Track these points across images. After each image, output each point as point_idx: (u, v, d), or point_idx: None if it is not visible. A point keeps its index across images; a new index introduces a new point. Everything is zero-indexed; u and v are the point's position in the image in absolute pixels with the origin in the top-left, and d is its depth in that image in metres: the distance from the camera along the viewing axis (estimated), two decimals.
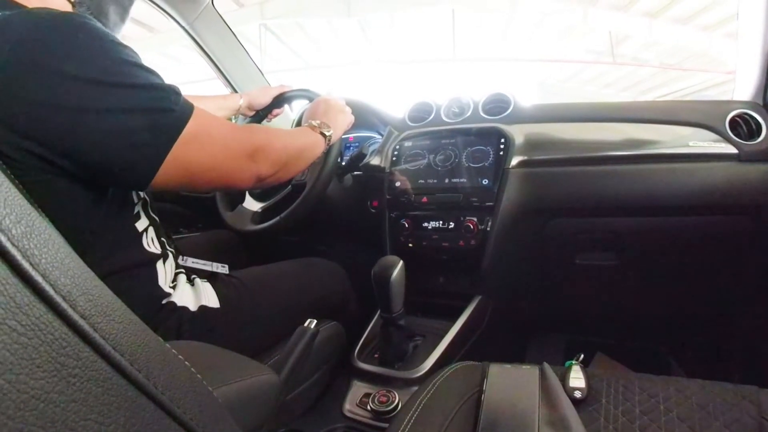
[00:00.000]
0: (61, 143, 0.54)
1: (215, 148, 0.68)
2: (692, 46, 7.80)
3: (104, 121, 0.56)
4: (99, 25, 0.59)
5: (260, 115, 1.25)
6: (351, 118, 1.10)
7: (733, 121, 0.99)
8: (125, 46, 0.61)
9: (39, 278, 0.21)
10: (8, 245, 0.20)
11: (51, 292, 0.22)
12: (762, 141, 0.96)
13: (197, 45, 1.46)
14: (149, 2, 1.29)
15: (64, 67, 0.53)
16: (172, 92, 0.63)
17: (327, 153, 1.04)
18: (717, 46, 7.62)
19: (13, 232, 0.21)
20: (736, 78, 1.07)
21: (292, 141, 0.86)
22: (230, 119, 1.54)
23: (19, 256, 0.21)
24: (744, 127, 0.99)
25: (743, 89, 1.04)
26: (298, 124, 1.51)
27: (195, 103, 1.21)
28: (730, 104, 1.01)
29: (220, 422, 0.36)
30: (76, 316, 0.23)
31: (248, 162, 0.73)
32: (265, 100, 1.23)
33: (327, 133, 0.97)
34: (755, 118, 0.98)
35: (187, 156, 0.63)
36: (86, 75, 0.54)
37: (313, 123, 0.97)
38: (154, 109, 0.60)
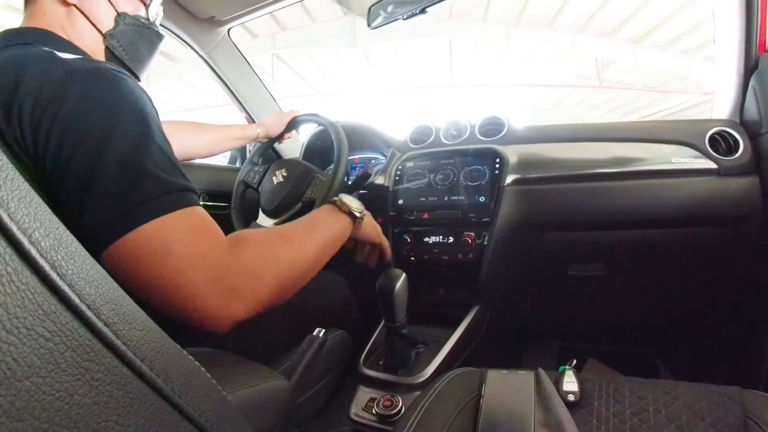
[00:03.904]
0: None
1: (166, 268, 0.47)
2: (673, 69, 7.83)
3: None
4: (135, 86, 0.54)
5: (274, 140, 1.27)
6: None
7: (712, 139, 0.99)
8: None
9: (66, 288, 0.22)
10: (37, 257, 0.20)
11: (77, 300, 0.22)
12: (739, 156, 0.96)
13: (215, 73, 1.47)
14: (171, 34, 1.31)
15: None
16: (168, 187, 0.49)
17: (335, 173, 1.04)
18: (696, 69, 7.64)
19: (43, 244, 0.21)
20: (714, 98, 1.07)
21: (305, 249, 0.62)
22: (246, 146, 1.56)
23: (47, 267, 0.21)
24: (722, 143, 0.99)
25: (721, 108, 1.04)
26: (307, 149, 1.52)
27: (214, 133, 1.20)
28: (709, 123, 1.02)
29: (234, 425, 0.35)
30: (99, 324, 0.23)
31: (217, 299, 0.50)
32: (280, 128, 1.25)
33: (358, 215, 0.77)
34: (733, 135, 0.98)
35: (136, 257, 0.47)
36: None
37: (339, 201, 0.76)
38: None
